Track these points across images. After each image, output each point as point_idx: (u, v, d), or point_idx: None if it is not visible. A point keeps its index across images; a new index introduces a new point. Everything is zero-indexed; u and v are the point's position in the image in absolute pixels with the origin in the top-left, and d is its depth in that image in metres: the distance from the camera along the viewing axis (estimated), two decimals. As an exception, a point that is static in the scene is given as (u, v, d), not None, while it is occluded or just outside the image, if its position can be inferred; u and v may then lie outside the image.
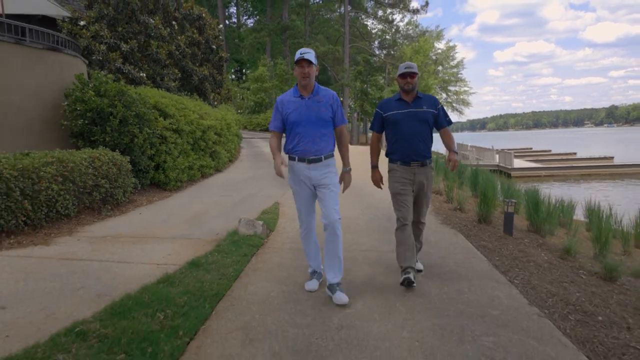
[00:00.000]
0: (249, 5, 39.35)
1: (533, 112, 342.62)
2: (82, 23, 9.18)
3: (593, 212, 6.25)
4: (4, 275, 3.36)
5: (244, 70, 39.26)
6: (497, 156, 27.69)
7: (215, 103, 13.30)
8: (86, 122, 6.45)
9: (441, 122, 3.41)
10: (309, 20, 34.47)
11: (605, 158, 28.70)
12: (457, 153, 3.37)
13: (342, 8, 29.97)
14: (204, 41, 12.80)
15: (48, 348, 2.13)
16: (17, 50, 6.12)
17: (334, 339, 2.43)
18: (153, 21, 9.87)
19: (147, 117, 7.08)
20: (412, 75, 3.30)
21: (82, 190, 5.38)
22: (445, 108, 3.53)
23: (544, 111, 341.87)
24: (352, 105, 32.79)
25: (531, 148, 42.51)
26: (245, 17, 42.02)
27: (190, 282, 3.14)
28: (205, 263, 3.58)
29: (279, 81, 28.52)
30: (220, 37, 14.33)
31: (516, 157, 32.48)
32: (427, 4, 28.29)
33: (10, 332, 2.40)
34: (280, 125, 3.03)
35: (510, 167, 24.79)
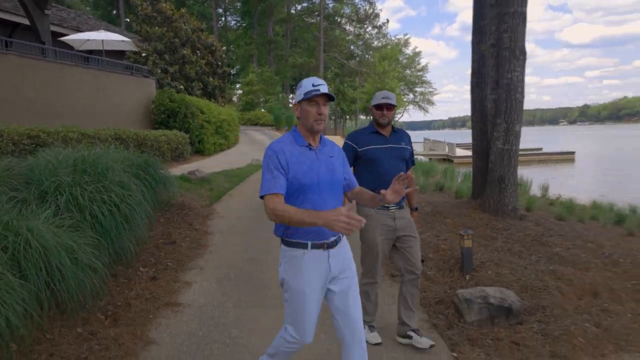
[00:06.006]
0: (237, 17, 45.01)
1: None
2: (143, 54, 14.61)
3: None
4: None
5: (231, 73, 45.05)
6: (447, 147, 33.97)
7: (222, 104, 18.80)
8: (165, 116, 11.93)
9: (411, 160, 2.95)
10: (290, 29, 40.13)
11: (536, 149, 35.39)
12: (417, 209, 3.03)
13: (319, 17, 35.78)
14: (214, 61, 18.33)
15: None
16: (131, 78, 11.59)
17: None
18: (186, 52, 15.38)
19: (195, 113, 12.60)
20: (389, 107, 2.74)
21: (172, 148, 10.88)
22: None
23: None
24: (332, 106, 38.67)
25: (488, 142, 50.04)
26: (234, 25, 47.62)
27: (241, 171, 8.80)
28: (245, 168, 9.24)
29: (265, 85, 34.24)
30: (224, 56, 19.82)
31: (465, 148, 39.22)
32: (387, 21, 34.63)
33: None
34: (285, 185, 1.86)
35: (453, 155, 31.06)
